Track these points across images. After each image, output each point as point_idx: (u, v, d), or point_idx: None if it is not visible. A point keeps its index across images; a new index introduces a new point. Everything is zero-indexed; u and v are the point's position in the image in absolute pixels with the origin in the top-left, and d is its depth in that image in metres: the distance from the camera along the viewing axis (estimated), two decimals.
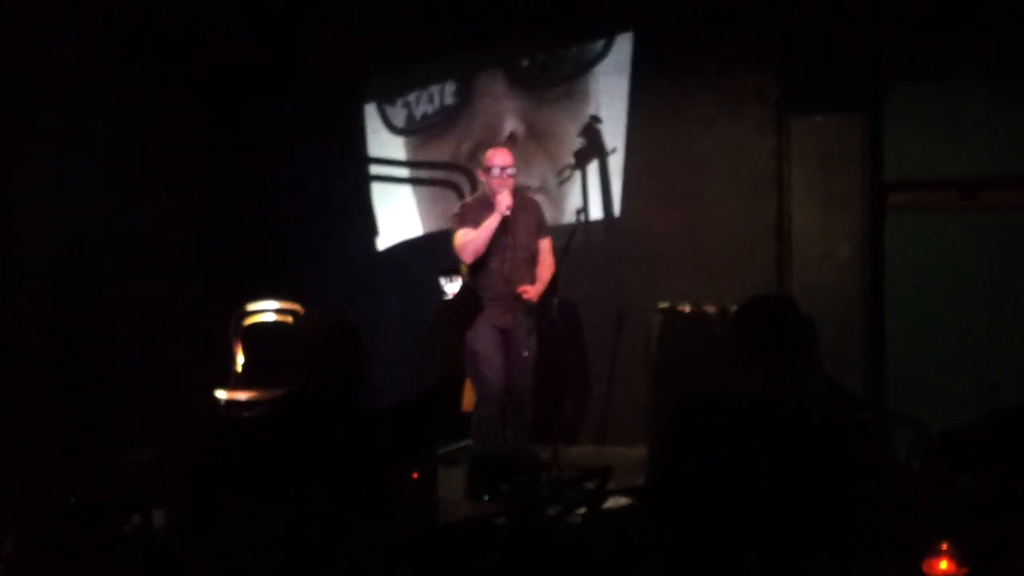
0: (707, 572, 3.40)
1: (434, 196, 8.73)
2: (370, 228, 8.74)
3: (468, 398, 7.02)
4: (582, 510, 4.78)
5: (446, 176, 8.67)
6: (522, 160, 7.73)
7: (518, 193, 6.83)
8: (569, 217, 8.07)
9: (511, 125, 8.41)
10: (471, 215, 6.75)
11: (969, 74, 7.14)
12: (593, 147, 8.26)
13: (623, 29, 8.21)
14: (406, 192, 8.79)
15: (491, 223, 6.59)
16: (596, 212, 8.16)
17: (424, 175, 8.79)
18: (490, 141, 8.18)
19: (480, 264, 6.70)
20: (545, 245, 6.89)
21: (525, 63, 8.45)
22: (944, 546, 4.10)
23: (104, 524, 4.93)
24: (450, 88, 8.56)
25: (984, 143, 7.19)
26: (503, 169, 6.70)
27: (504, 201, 6.56)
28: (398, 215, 8.74)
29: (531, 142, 8.38)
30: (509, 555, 4.22)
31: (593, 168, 8.28)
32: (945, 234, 7.32)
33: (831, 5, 7.21)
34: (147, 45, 7.47)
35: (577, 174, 8.32)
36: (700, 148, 7.93)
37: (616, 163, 8.12)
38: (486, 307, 6.67)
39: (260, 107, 8.23)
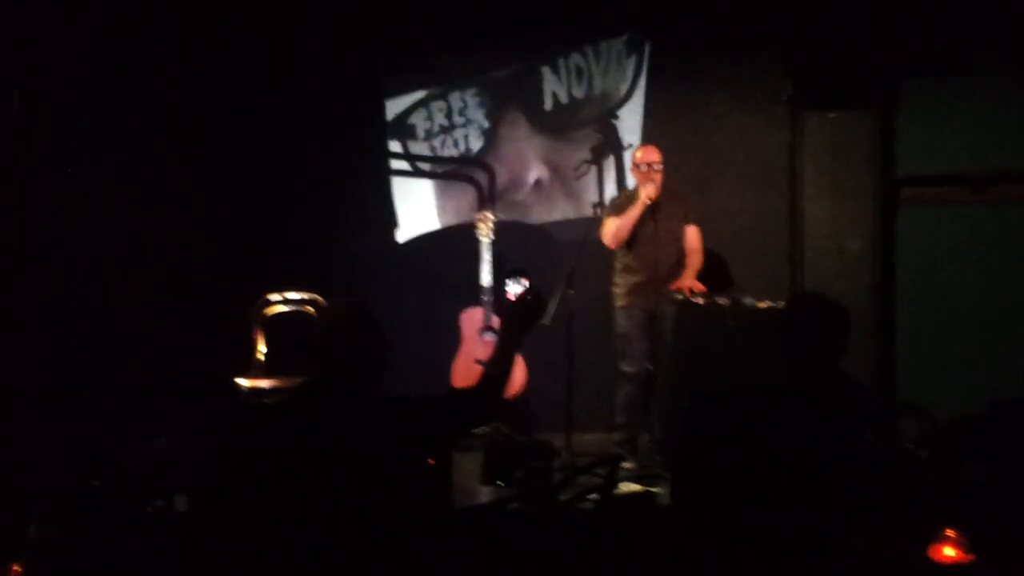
0: (718, 557, 3.47)
1: (453, 190, 8.82)
2: (390, 221, 8.83)
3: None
4: (594, 496, 4.86)
5: (465, 171, 8.77)
6: (546, 200, 8.39)
7: (667, 185, 7.19)
8: (586, 211, 8.16)
9: (536, 171, 8.59)
10: (620, 205, 7.27)
11: (980, 69, 7.17)
12: (609, 142, 8.32)
13: (640, 27, 8.28)
14: (426, 186, 8.88)
15: (634, 212, 7.07)
16: None
17: (444, 170, 8.88)
18: (515, 185, 8.57)
19: (630, 251, 7.18)
20: (692, 233, 7.25)
21: (548, 107, 8.55)
22: (951, 533, 4.17)
23: (127, 508, 5.01)
24: (474, 133, 8.69)
25: (995, 138, 7.21)
26: (650, 165, 7.12)
27: (647, 192, 7.01)
28: (417, 209, 8.83)
29: (555, 182, 8.57)
30: (522, 540, 4.29)
31: (609, 163, 8.35)
32: (956, 228, 7.35)
33: (843, 2, 7.26)
34: (165, 39, 7.51)
35: (593, 169, 8.38)
36: (714, 143, 7.98)
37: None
38: (634, 292, 7.17)
39: (282, 101, 8.27)
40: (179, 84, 7.59)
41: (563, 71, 8.49)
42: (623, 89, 8.36)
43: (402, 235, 8.82)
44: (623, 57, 8.35)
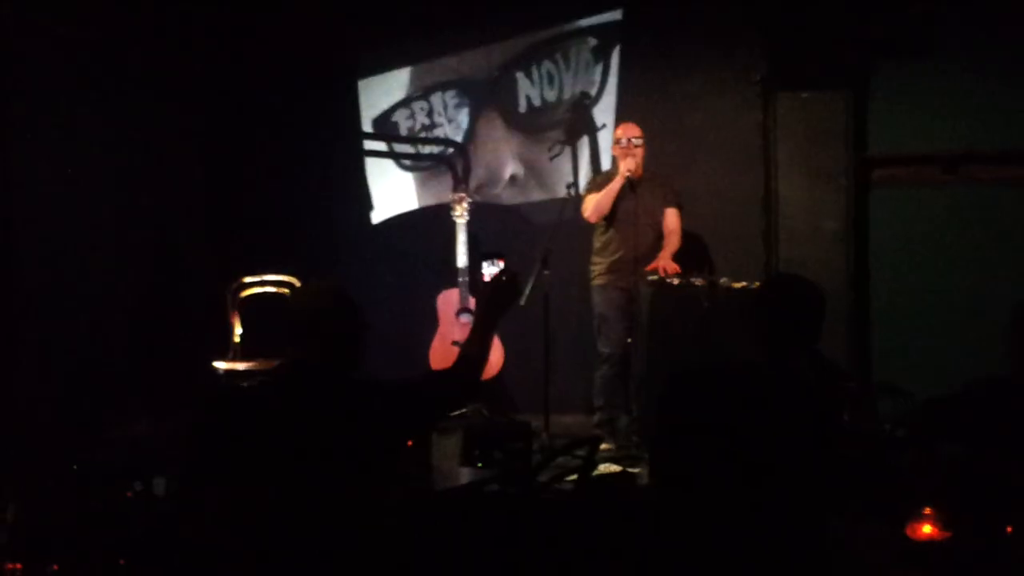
0: (695, 536, 3.49)
1: (428, 172, 8.81)
2: (364, 203, 8.82)
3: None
4: (572, 477, 4.88)
5: (441, 154, 8.76)
6: (521, 194, 8.42)
7: (649, 167, 7.31)
8: (560, 192, 8.16)
9: (512, 166, 8.59)
10: (600, 183, 7.33)
11: (953, 50, 7.22)
12: (583, 123, 8.32)
13: (612, 7, 8.28)
14: (402, 167, 8.89)
15: (615, 185, 7.14)
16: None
17: (420, 151, 8.88)
18: (492, 180, 8.59)
19: (608, 230, 7.25)
20: (672, 215, 7.28)
21: (522, 110, 8.58)
22: (927, 511, 4.19)
23: (106, 491, 4.99)
24: (452, 128, 8.71)
25: (967, 118, 7.27)
26: (629, 140, 7.22)
27: (627, 165, 7.11)
28: (392, 190, 8.82)
29: (530, 176, 8.57)
30: (501, 521, 4.30)
31: (583, 144, 8.35)
32: (929, 208, 7.41)
33: None
34: (145, 24, 7.50)
35: (567, 150, 8.38)
36: (688, 124, 7.98)
37: (606, 139, 8.18)
38: (612, 270, 7.20)
39: (257, 84, 8.25)
40: (154, 68, 7.58)
41: (536, 76, 8.54)
42: (592, 92, 8.40)
43: (377, 216, 8.81)
44: (591, 64, 8.40)
